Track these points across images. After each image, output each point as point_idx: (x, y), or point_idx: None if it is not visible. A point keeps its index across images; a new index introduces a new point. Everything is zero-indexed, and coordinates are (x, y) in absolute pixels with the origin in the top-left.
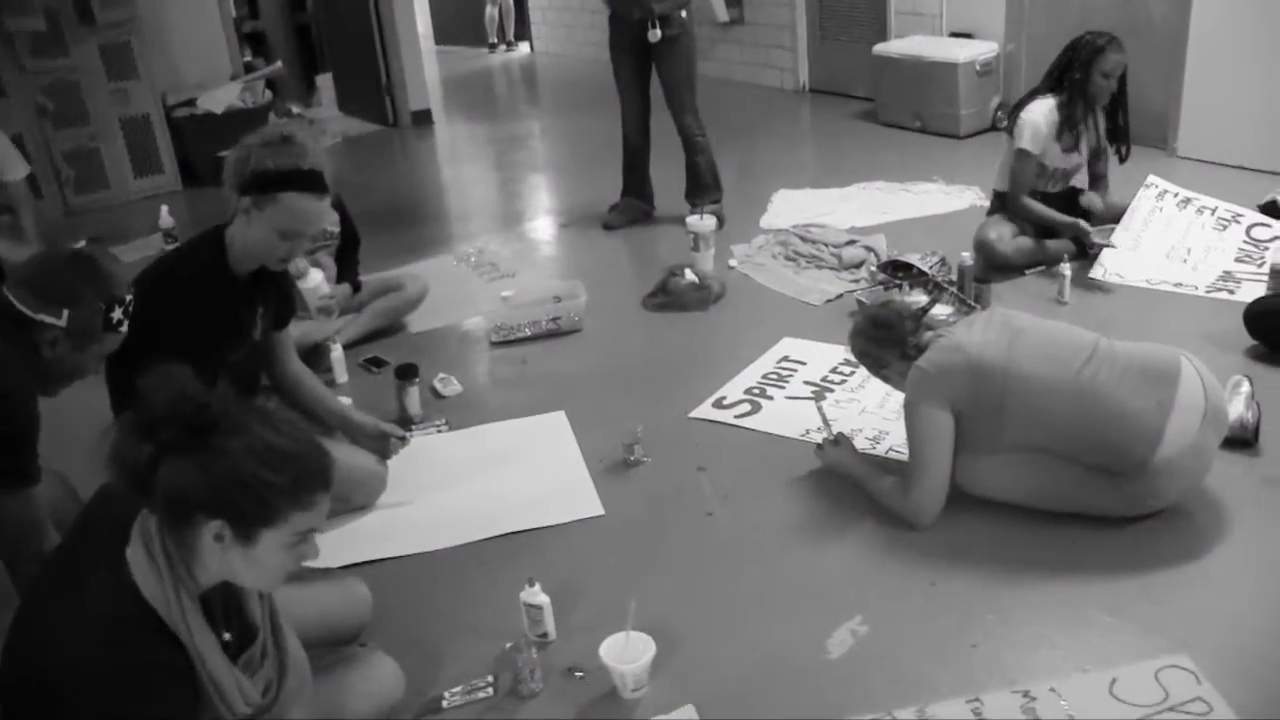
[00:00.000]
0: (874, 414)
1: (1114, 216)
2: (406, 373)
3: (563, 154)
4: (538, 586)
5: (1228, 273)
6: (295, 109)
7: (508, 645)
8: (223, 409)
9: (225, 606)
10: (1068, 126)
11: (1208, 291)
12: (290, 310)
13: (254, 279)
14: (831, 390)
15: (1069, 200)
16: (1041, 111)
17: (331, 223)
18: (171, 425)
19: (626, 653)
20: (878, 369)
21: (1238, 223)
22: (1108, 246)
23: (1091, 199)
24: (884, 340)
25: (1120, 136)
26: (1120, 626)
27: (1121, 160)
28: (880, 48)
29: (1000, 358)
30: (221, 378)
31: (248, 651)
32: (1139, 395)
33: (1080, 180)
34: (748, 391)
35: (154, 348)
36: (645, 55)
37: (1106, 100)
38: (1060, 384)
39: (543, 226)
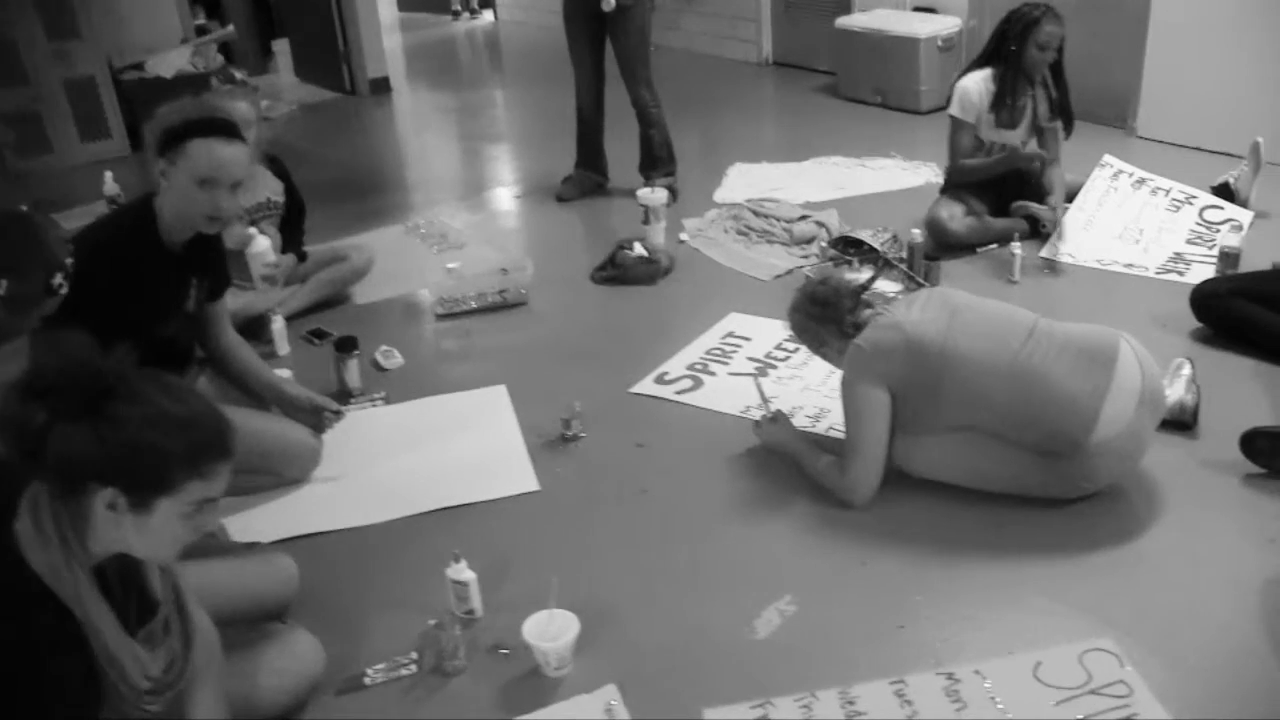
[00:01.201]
0: (816, 391)
1: (1067, 195)
2: (346, 345)
3: (521, 124)
4: (464, 563)
5: (1178, 254)
6: (239, 75)
7: (431, 622)
8: (118, 375)
9: (123, 579)
10: (1003, 99)
11: (1158, 273)
12: (225, 282)
13: (187, 250)
14: (775, 367)
15: (1017, 178)
16: (975, 80)
17: (275, 191)
18: (64, 391)
19: (549, 630)
20: (816, 346)
21: (1191, 204)
22: (1057, 222)
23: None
24: (822, 317)
25: (1062, 112)
26: (1049, 609)
27: (1066, 135)
28: (843, 21)
29: (938, 336)
30: (136, 348)
31: (148, 625)
32: (1076, 377)
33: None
34: (690, 367)
35: (81, 317)
36: (600, 26)
37: (1043, 73)
38: (997, 364)
39: (496, 197)
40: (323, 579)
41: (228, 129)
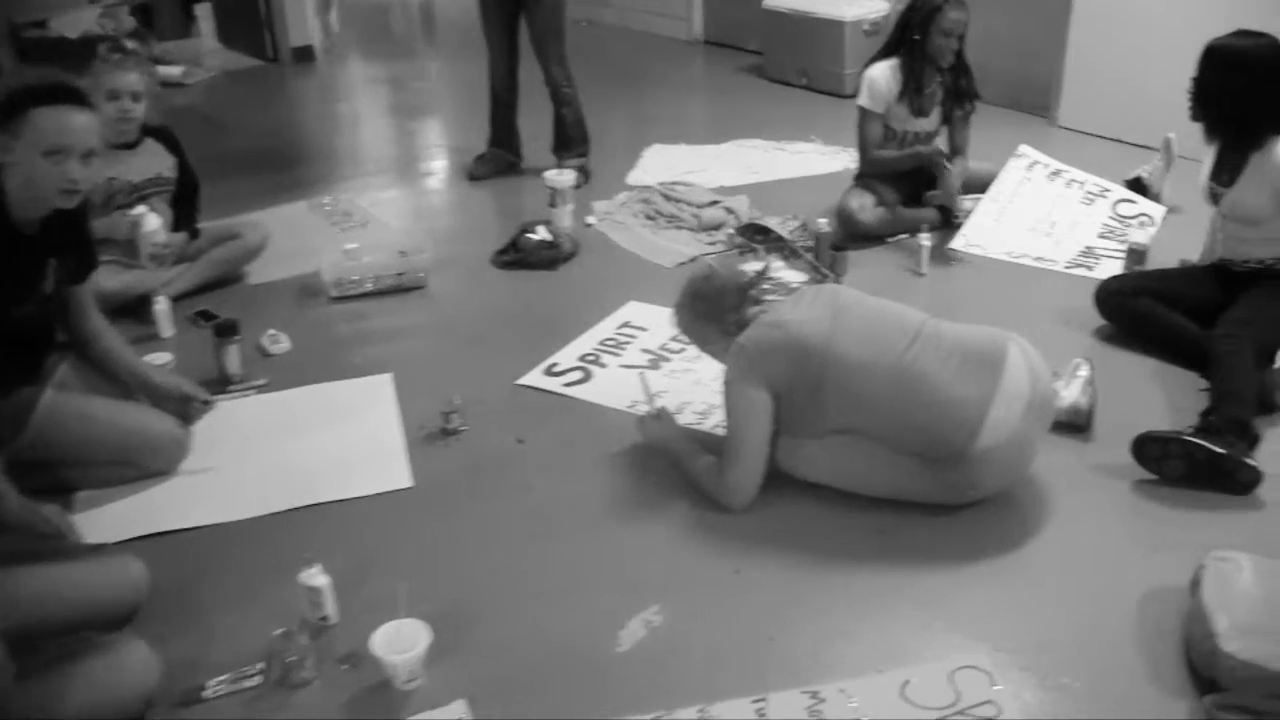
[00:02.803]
0: (708, 386)
1: (980, 185)
2: (225, 330)
3: (443, 98)
4: (317, 568)
5: (1089, 248)
6: (130, 44)
7: (278, 631)
8: None
9: None
10: (911, 88)
11: (1067, 267)
12: (90, 264)
13: (44, 228)
14: (669, 359)
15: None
16: (881, 70)
17: (167, 167)
18: None
19: (398, 642)
20: (702, 343)
21: (1105, 198)
22: (965, 215)
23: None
24: (706, 314)
25: (959, 94)
26: (925, 622)
27: (966, 116)
28: (771, 1)
29: (821, 336)
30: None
31: None
32: (960, 381)
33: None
34: (582, 358)
35: None
36: (514, 2)
37: (949, 60)
38: (880, 366)
39: (408, 174)
40: (173, 580)
41: (73, 95)
